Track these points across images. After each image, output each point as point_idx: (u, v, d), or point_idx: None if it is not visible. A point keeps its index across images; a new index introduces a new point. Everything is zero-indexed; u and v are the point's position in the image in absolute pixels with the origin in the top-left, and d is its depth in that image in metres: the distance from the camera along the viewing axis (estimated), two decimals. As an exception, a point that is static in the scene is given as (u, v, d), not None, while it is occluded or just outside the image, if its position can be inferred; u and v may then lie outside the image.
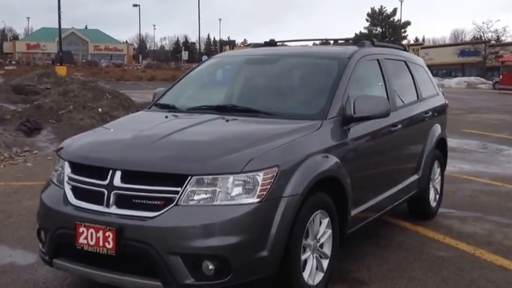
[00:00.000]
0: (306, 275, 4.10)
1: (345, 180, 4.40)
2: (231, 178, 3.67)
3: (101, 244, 3.68)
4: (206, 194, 3.65)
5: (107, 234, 3.66)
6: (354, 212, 4.65)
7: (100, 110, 12.52)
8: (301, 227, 3.96)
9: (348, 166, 4.46)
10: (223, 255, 3.57)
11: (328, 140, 4.41)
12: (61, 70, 31.36)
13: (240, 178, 3.67)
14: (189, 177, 3.64)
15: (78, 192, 3.95)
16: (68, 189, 4.00)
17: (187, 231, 3.57)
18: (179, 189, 3.64)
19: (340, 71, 4.92)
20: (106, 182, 3.80)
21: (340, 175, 4.37)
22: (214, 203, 3.63)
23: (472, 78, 55.68)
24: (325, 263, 4.34)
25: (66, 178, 4.05)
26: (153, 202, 3.69)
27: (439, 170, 6.71)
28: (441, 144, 6.64)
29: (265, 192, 3.69)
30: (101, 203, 3.79)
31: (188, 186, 3.64)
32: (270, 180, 3.73)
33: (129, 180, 3.77)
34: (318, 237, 4.23)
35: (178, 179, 3.66)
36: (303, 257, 4.07)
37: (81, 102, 12.48)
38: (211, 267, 3.58)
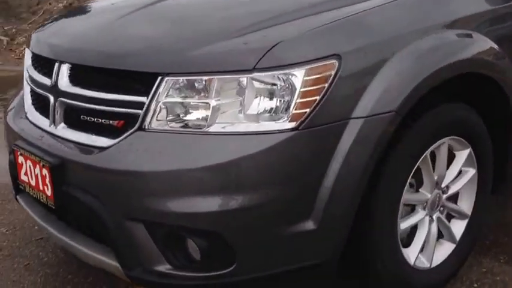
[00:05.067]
0: (412, 252, 2.24)
1: (507, 82, 2.32)
2: (237, 81, 1.85)
3: (40, 187, 2.17)
4: (192, 110, 1.91)
5: (43, 172, 2.13)
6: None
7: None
8: (401, 173, 2.06)
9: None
10: (218, 230, 1.86)
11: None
12: None
13: (257, 80, 1.84)
14: (159, 78, 1.90)
15: (34, 99, 2.44)
16: (27, 92, 2.50)
17: (154, 181, 1.88)
18: (144, 99, 1.93)
19: None
20: (51, 82, 2.22)
21: (499, 72, 2.29)
22: (207, 129, 1.87)
23: None
24: (458, 228, 2.41)
25: (26, 75, 2.54)
26: (109, 122, 2.03)
27: None
28: None
29: (308, 110, 1.83)
30: (49, 118, 2.24)
31: (159, 94, 1.90)
32: (320, 86, 1.84)
33: (79, 81, 2.13)
34: (444, 183, 2.29)
35: (144, 82, 1.94)
36: (405, 224, 2.20)
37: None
38: (197, 249, 1.92)
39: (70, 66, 2.15)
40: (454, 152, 2.30)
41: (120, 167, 1.90)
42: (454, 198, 2.40)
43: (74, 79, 2.14)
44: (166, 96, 1.89)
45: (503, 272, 2.48)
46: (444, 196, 2.31)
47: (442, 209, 2.32)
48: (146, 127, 1.91)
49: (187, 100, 1.89)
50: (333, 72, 1.84)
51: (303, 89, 1.82)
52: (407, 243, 2.25)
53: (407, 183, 2.10)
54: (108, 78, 2.03)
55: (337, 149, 1.86)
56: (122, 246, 1.96)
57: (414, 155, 2.08)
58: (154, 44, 2.01)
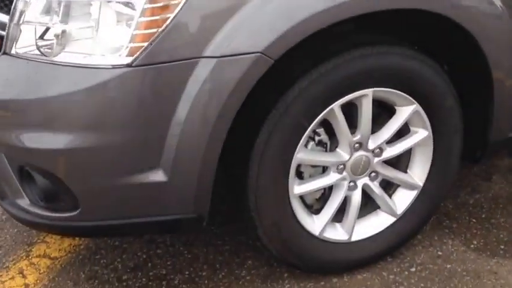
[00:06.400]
0: (320, 220, 1.91)
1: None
2: (82, 4, 1.63)
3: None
4: (46, 36, 1.72)
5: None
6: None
7: None
8: (287, 127, 1.73)
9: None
10: (52, 171, 1.70)
11: None
12: None
13: (101, 5, 1.59)
14: None
15: None
16: None
17: (6, 108, 1.74)
18: (6, 19, 1.78)
19: None
20: None
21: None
22: (54, 58, 1.68)
23: None
24: (403, 200, 2.01)
25: None
26: (-5, 42, 1.95)
27: None
28: None
29: (145, 44, 1.55)
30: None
31: (17, 15, 1.72)
32: (163, 16, 1.55)
33: None
34: (372, 144, 1.88)
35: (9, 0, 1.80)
36: (304, 187, 1.86)
37: None
38: (40, 188, 1.79)
39: None
40: (395, 108, 1.88)
41: None
42: (403, 164, 2.00)
43: None
44: (24, 17, 1.73)
45: (462, 260, 2.03)
46: (376, 160, 1.91)
47: (373, 174, 1.93)
48: (9, 51, 1.78)
49: (42, 24, 1.71)
50: (182, 0, 1.55)
51: (142, 19, 1.55)
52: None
53: (304, 139, 1.76)
54: None
55: (184, 91, 1.59)
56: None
57: (310, 108, 1.72)
58: None
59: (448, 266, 2.00)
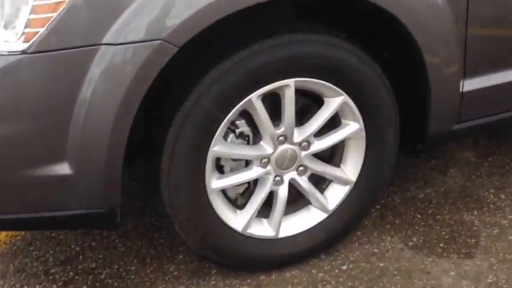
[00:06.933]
0: (244, 216, 1.83)
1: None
2: None
3: None
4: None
5: None
6: (470, 85, 1.90)
7: None
8: (198, 119, 1.64)
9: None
10: None
11: None
12: None
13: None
14: None
15: None
16: None
17: None
18: None
19: None
20: None
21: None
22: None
23: None
24: (335, 195, 1.92)
25: None
26: None
27: None
28: None
29: (41, 30, 1.47)
30: None
31: None
32: (58, 0, 1.47)
33: None
34: (298, 137, 1.79)
35: None
36: (223, 182, 1.77)
37: None
38: None
39: None
40: (324, 99, 1.79)
41: None
42: (337, 158, 1.91)
43: None
44: None
45: (397, 258, 1.93)
46: (304, 153, 1.82)
47: (301, 169, 1.84)
48: None
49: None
50: (79, -18, 1.47)
51: (37, 2, 1.47)
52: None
53: (221, 132, 1.68)
54: None
55: (84, 80, 1.51)
56: None
57: (223, 99, 1.64)
58: None
59: (381, 264, 1.91)
